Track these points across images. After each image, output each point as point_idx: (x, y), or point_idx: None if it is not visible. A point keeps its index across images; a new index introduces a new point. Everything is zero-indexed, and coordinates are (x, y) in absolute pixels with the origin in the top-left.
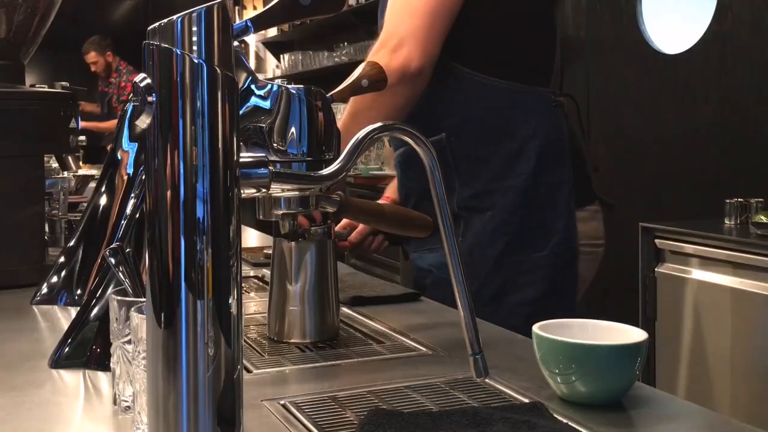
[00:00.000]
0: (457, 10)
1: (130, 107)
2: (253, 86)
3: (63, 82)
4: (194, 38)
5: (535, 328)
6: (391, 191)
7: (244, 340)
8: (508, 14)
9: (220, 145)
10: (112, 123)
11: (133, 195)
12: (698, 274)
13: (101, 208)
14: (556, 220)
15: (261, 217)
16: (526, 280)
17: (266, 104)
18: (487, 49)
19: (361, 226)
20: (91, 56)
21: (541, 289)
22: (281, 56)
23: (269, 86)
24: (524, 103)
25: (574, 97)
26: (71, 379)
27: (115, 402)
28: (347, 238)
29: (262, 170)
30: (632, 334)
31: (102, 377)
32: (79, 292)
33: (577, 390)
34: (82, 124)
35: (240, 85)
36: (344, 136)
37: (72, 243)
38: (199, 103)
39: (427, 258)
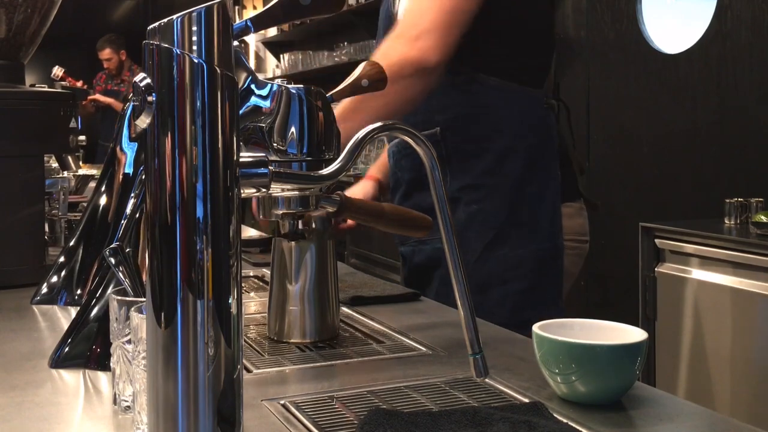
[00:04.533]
0: (476, 11)
1: (130, 107)
2: (253, 86)
3: (63, 83)
4: (194, 38)
5: (535, 327)
6: (374, 170)
7: (244, 340)
8: (510, 16)
9: (220, 145)
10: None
11: (133, 195)
12: (698, 274)
13: (101, 208)
14: (542, 217)
15: (261, 217)
16: (511, 275)
17: (266, 104)
18: (484, 48)
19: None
20: (106, 53)
21: (526, 284)
22: (281, 56)
23: (269, 86)
24: (517, 104)
25: (566, 102)
26: (71, 379)
27: (115, 402)
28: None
29: (262, 170)
30: (632, 334)
31: (102, 377)
32: (79, 292)
33: (577, 390)
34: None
35: (240, 85)
36: (342, 124)
37: (72, 243)
38: (199, 103)
39: (424, 251)
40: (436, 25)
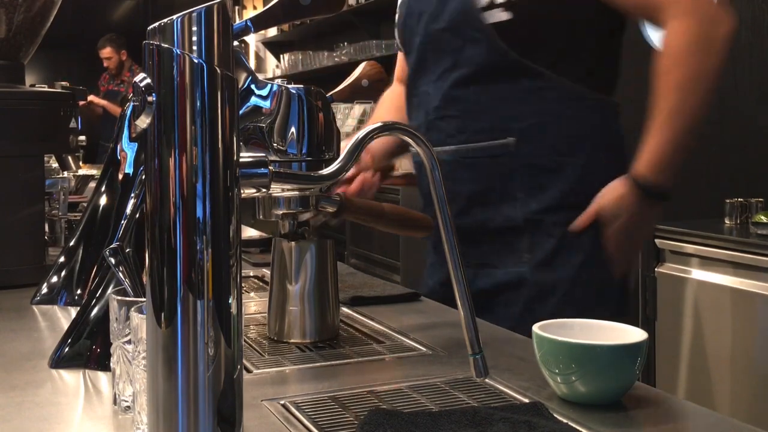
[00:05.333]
0: None
1: (130, 107)
2: (253, 86)
3: (63, 82)
4: (194, 38)
5: (535, 328)
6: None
7: (244, 340)
8: (599, 13)
9: (220, 145)
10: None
11: (133, 195)
12: (698, 274)
13: (101, 208)
14: None
15: (261, 217)
16: (599, 300)
17: (266, 104)
18: (569, 49)
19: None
20: (107, 52)
21: (618, 308)
22: (281, 56)
23: (269, 86)
24: (597, 113)
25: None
26: (71, 379)
27: (115, 402)
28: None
29: (262, 170)
30: (632, 334)
31: (102, 377)
32: (79, 292)
33: (577, 390)
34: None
35: (240, 85)
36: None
37: (72, 243)
38: (199, 103)
39: (493, 275)
40: None
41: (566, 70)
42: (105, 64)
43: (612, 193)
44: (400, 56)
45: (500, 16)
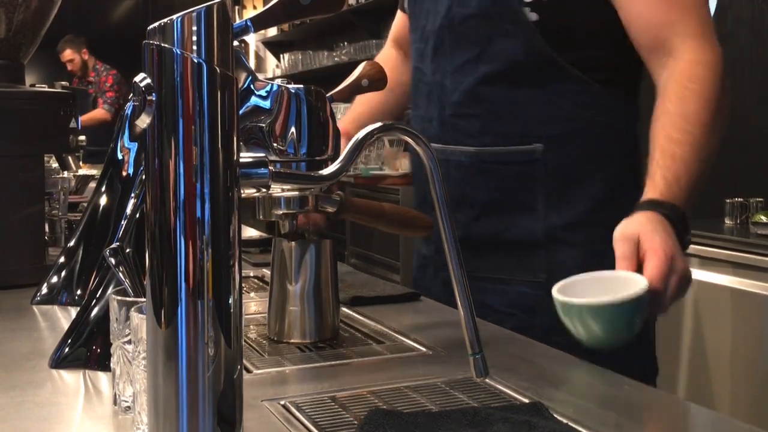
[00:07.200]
0: None
1: (130, 107)
2: (253, 86)
3: (63, 82)
4: (194, 38)
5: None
6: (349, 123)
7: (244, 340)
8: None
9: (220, 145)
10: (93, 114)
11: (133, 195)
12: (698, 274)
13: (101, 208)
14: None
15: (261, 217)
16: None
17: (266, 104)
18: (603, 54)
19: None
20: (67, 54)
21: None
22: (281, 56)
23: (269, 86)
24: (623, 121)
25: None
26: (71, 379)
27: (115, 402)
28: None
29: (262, 170)
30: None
31: (102, 377)
32: (79, 292)
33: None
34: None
35: (240, 85)
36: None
37: (72, 243)
38: (198, 103)
39: (508, 293)
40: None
41: (599, 74)
42: (69, 68)
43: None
44: (401, 15)
45: (539, 13)
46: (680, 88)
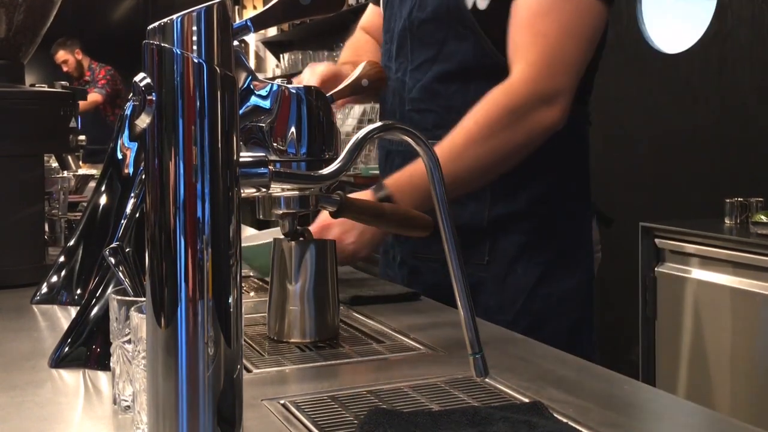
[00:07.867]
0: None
1: (130, 106)
2: (252, 86)
3: (63, 82)
4: (194, 38)
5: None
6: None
7: (244, 340)
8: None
9: (220, 145)
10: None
11: (133, 195)
12: (698, 273)
13: (101, 207)
14: (582, 248)
15: (261, 217)
16: (555, 312)
17: (266, 104)
18: None
19: None
20: (61, 55)
21: (571, 322)
22: (281, 56)
23: (269, 86)
24: (573, 121)
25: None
26: (71, 379)
27: (115, 402)
28: None
29: (262, 170)
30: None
31: (102, 377)
32: (79, 291)
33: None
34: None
35: (240, 85)
36: (447, 165)
37: (72, 243)
38: (198, 103)
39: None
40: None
41: None
42: (64, 69)
43: None
44: (372, 8)
45: (478, 19)
46: (480, 103)
